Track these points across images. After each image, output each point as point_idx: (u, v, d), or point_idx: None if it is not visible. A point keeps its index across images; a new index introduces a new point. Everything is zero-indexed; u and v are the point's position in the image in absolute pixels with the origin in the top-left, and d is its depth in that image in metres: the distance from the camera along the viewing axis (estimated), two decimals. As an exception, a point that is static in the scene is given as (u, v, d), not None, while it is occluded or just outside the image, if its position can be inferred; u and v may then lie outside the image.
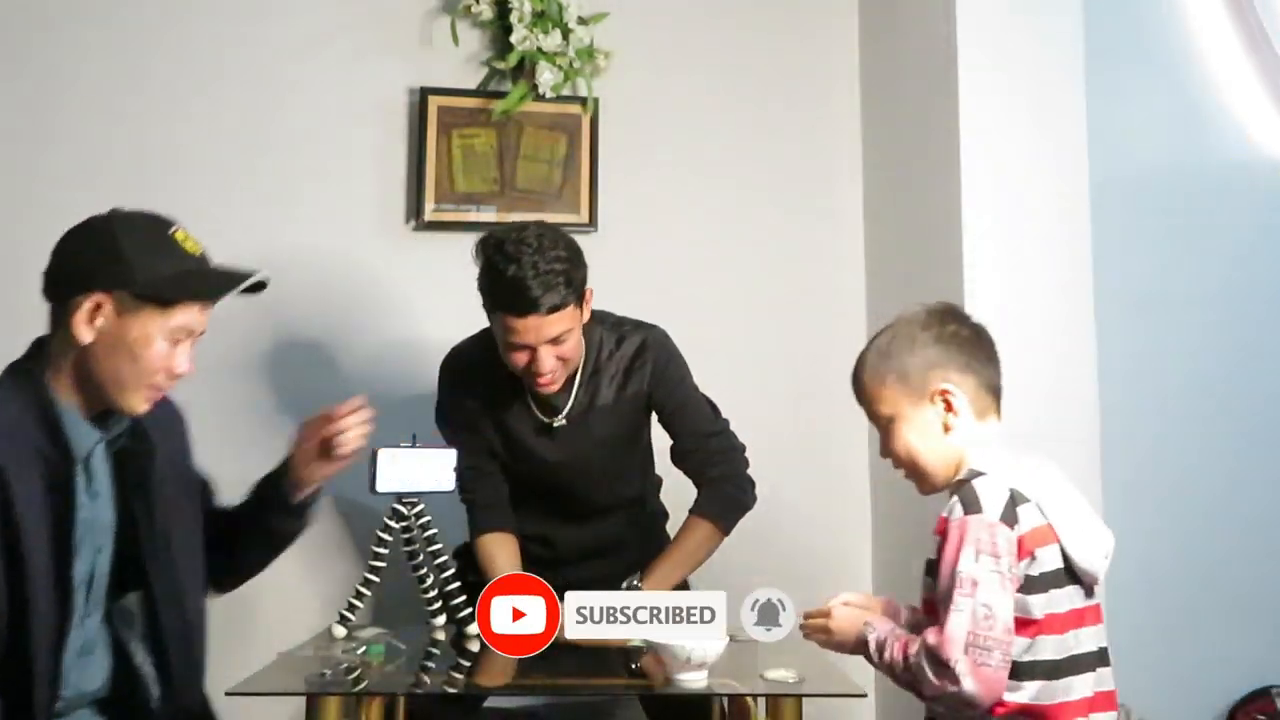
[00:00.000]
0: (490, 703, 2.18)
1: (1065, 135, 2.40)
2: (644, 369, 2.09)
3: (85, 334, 1.46)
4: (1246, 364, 2.95)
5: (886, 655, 1.41)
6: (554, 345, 1.91)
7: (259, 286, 1.60)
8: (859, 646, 1.45)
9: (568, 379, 2.04)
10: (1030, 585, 1.39)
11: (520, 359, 1.93)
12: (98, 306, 1.47)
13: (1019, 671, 1.38)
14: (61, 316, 1.49)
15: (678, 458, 2.16)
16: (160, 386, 1.53)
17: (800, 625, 1.51)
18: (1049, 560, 1.41)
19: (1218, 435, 2.91)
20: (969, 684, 1.32)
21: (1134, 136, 2.91)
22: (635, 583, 1.99)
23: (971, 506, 1.39)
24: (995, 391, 1.53)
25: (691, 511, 2.10)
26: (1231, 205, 3.00)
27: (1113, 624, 2.32)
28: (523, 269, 1.85)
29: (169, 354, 1.51)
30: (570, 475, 2.10)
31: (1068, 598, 1.43)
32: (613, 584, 1.95)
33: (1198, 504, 2.87)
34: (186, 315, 1.52)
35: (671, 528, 2.19)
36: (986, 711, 1.37)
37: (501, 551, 2.04)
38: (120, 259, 1.50)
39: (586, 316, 2.00)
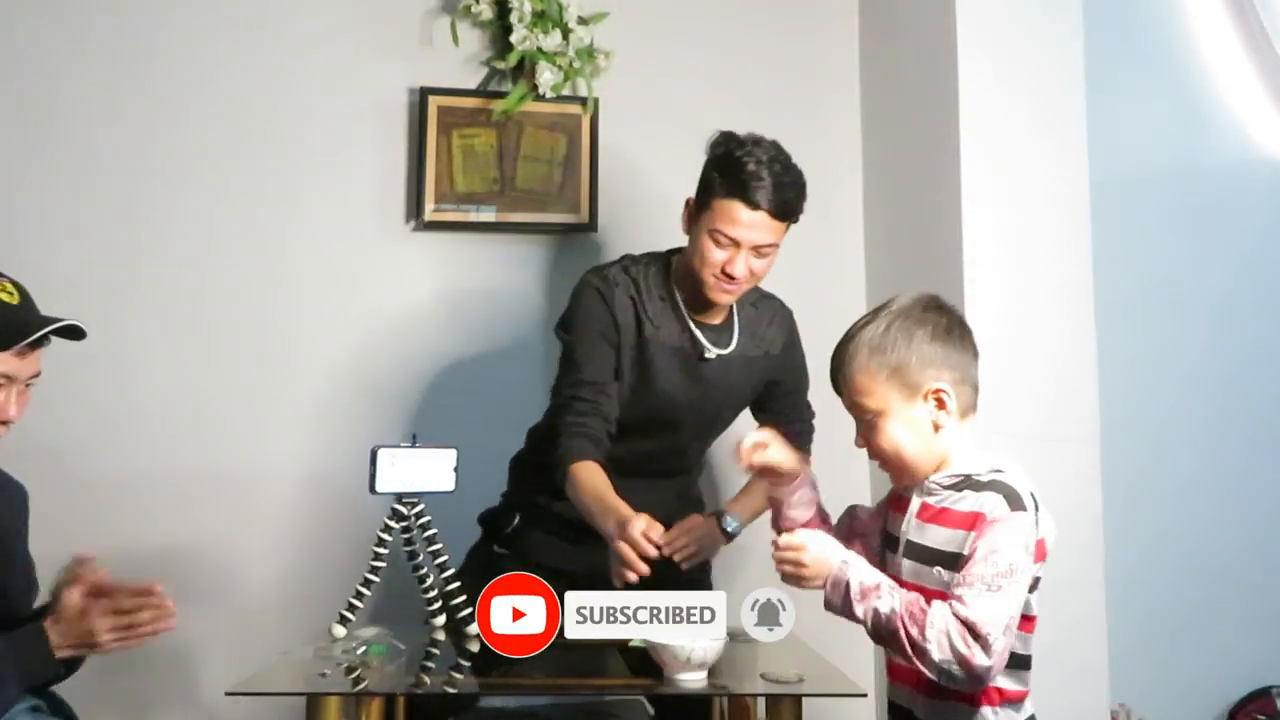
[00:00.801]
0: (490, 702, 2.18)
1: (1065, 135, 2.40)
2: (775, 334, 2.12)
3: None
4: (1247, 363, 2.95)
5: (877, 605, 1.40)
6: (755, 255, 1.92)
7: (77, 333, 1.65)
8: (831, 585, 1.43)
9: (723, 319, 2.05)
10: (1035, 584, 1.46)
11: (719, 256, 1.92)
12: None
13: (1024, 663, 1.47)
14: None
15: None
16: None
17: (774, 555, 1.48)
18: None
19: (1218, 435, 2.91)
20: (994, 662, 1.36)
21: (1134, 136, 2.91)
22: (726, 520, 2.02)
23: (1017, 504, 1.44)
24: (976, 388, 1.55)
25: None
26: (1231, 205, 3.00)
27: (1113, 624, 2.34)
28: (767, 166, 1.90)
29: None
30: (685, 417, 2.05)
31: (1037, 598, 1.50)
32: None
33: (1198, 504, 2.87)
34: (1, 363, 1.57)
35: None
36: (977, 693, 1.43)
37: (602, 479, 1.93)
38: None
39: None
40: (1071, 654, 2.26)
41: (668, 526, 2.01)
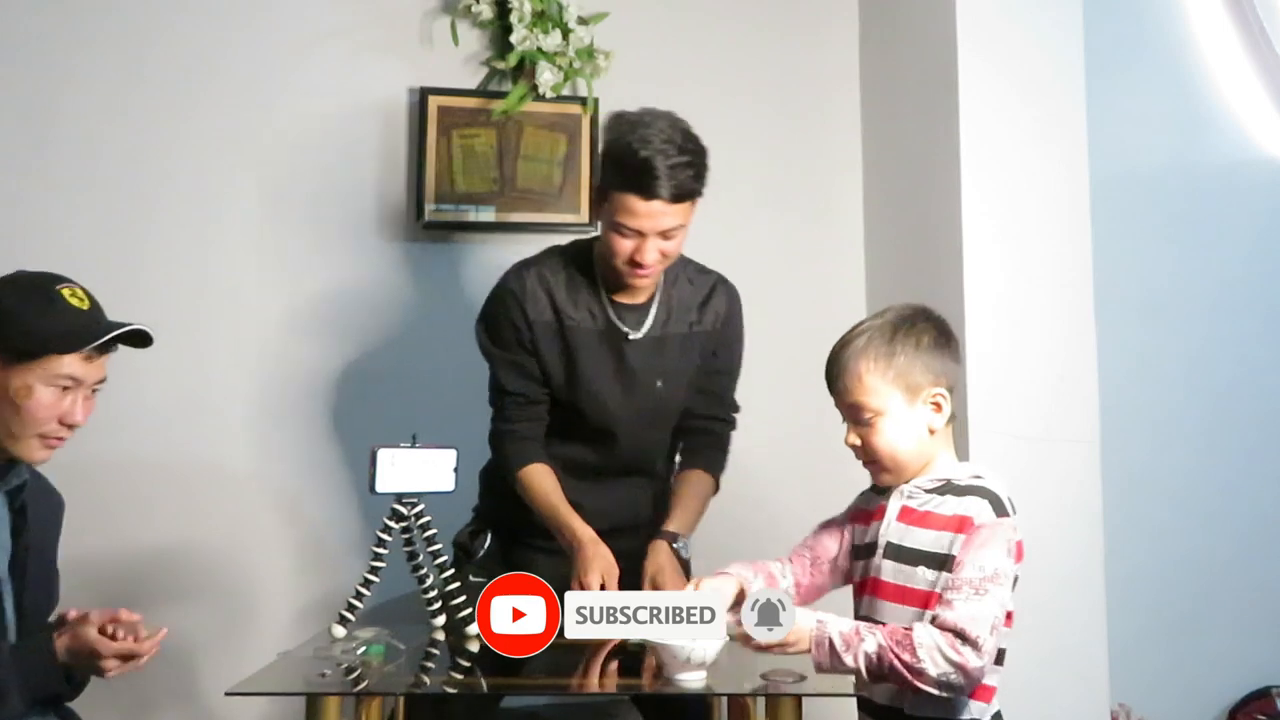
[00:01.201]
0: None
1: (1065, 135, 2.40)
2: (715, 310, 2.07)
3: None
4: (1247, 363, 2.95)
5: (864, 649, 1.44)
6: (663, 239, 1.89)
7: (144, 340, 1.70)
8: (815, 647, 1.46)
9: (647, 298, 2.02)
10: (1013, 582, 1.52)
11: (626, 247, 1.89)
12: None
13: (1001, 657, 1.53)
14: None
15: (689, 417, 2.10)
16: (53, 435, 1.62)
17: (748, 642, 1.49)
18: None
19: (1218, 435, 2.91)
20: (985, 661, 1.43)
21: (1134, 136, 2.91)
22: (680, 546, 1.97)
23: (1001, 511, 1.51)
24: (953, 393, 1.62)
25: (691, 466, 2.08)
26: (1231, 205, 3.00)
27: (1113, 624, 2.34)
28: (656, 153, 1.83)
29: (56, 403, 1.60)
30: (624, 407, 2.02)
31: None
32: (634, 560, 1.93)
33: (1198, 504, 2.87)
34: (67, 365, 1.60)
35: None
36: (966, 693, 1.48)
37: (549, 481, 1.98)
38: (1, 317, 1.59)
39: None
40: (1071, 654, 2.26)
41: (641, 526, 2.05)
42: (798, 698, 1.50)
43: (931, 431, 1.56)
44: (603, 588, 1.82)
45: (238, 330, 2.61)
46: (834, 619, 1.49)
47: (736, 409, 2.16)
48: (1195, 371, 2.92)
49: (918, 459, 1.56)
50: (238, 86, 2.66)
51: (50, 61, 2.59)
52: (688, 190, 1.87)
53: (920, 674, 1.42)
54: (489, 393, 2.09)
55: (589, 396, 2.01)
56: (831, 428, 1.66)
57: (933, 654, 1.42)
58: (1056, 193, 2.39)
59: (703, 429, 2.12)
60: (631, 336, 2.01)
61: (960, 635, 1.42)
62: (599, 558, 1.87)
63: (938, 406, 1.56)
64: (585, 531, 1.92)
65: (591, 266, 2.03)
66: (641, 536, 2.02)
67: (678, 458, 2.14)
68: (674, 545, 1.96)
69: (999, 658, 1.52)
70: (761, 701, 1.61)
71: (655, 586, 1.88)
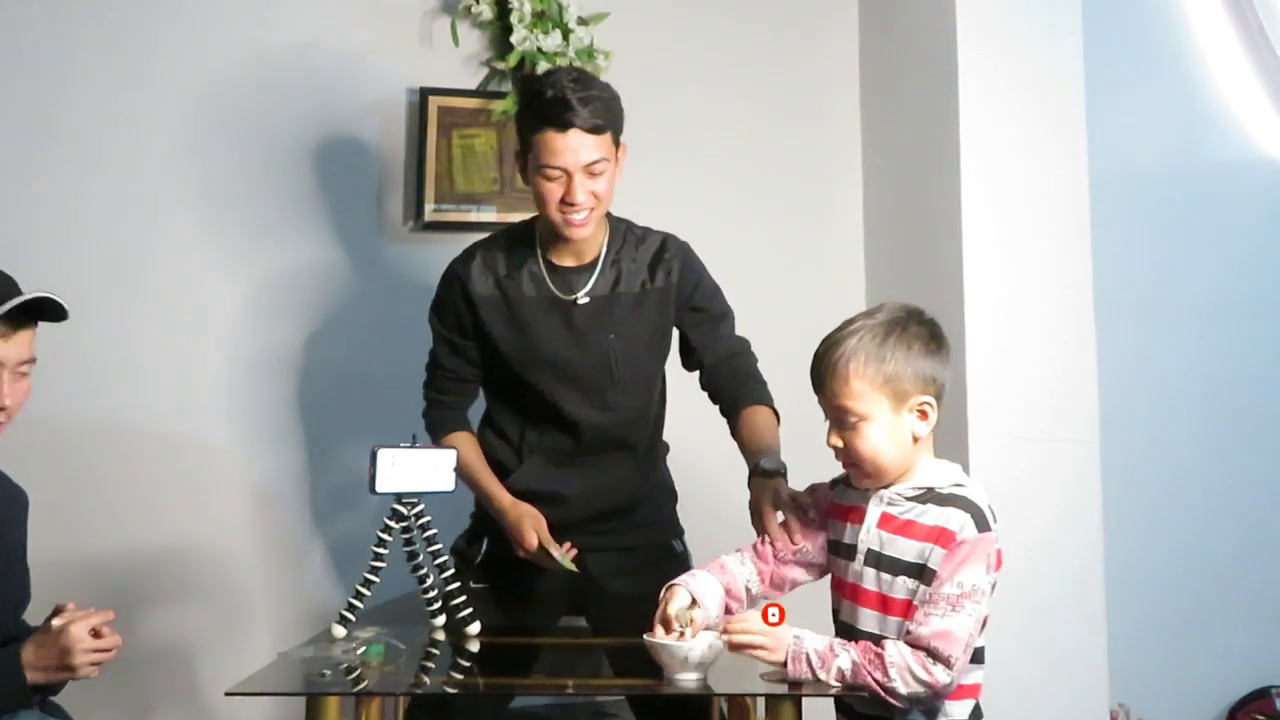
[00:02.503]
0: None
1: (1065, 135, 2.41)
2: (670, 265, 2.05)
3: None
4: (1247, 363, 2.95)
5: (839, 665, 1.47)
6: (588, 177, 1.90)
7: (57, 312, 1.63)
8: (793, 660, 1.48)
9: (592, 258, 2.01)
10: (991, 588, 1.53)
11: (555, 190, 1.90)
12: None
13: (978, 656, 1.54)
14: None
15: (713, 383, 2.07)
16: None
17: (730, 641, 1.51)
18: None
19: (1217, 435, 2.91)
20: (955, 676, 1.46)
21: (1134, 136, 2.91)
22: (766, 463, 1.91)
23: (983, 525, 1.51)
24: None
25: (743, 404, 2.04)
26: (1231, 205, 3.01)
27: (1113, 624, 2.34)
28: (564, 88, 1.88)
29: None
30: (579, 367, 2.00)
31: None
32: (638, 555, 1.94)
33: (1198, 504, 2.87)
34: None
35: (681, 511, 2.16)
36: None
37: (469, 446, 2.02)
38: None
39: (620, 170, 1.98)
40: (1071, 654, 2.26)
41: (628, 507, 2.05)
42: (797, 698, 1.50)
43: (916, 439, 1.55)
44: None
45: (237, 330, 2.61)
46: (810, 635, 1.50)
47: (747, 343, 2.13)
48: (1195, 371, 2.92)
49: (899, 465, 1.56)
50: (238, 86, 2.66)
51: (47, 63, 2.58)
52: (604, 120, 1.90)
53: (892, 693, 1.45)
54: (425, 370, 2.14)
55: (541, 363, 2.00)
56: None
57: (903, 673, 1.45)
58: (1056, 193, 2.39)
59: (728, 368, 2.08)
60: (579, 300, 2.00)
61: (932, 653, 1.44)
62: (525, 516, 1.92)
63: (924, 414, 1.55)
64: (504, 496, 1.97)
65: (534, 238, 2.03)
66: (633, 518, 2.02)
67: (721, 406, 2.08)
68: (763, 466, 1.92)
69: (978, 656, 1.54)
70: (761, 701, 1.61)
71: (759, 517, 1.82)
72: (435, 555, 1.82)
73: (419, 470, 1.78)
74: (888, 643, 1.48)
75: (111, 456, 2.52)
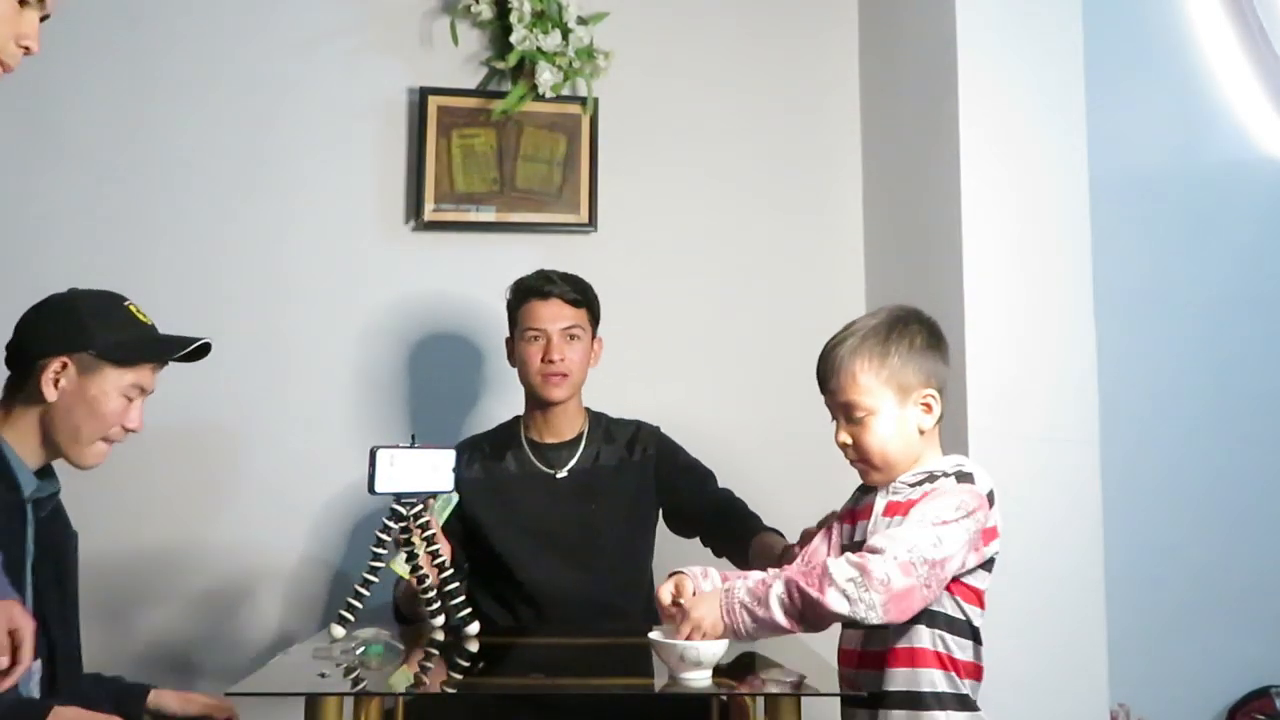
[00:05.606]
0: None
1: (1065, 135, 2.40)
2: (646, 444, 2.22)
3: (50, 392, 1.64)
4: (1247, 363, 2.95)
5: (775, 594, 1.42)
6: (566, 341, 2.13)
7: (204, 351, 1.79)
8: (727, 612, 1.45)
9: (574, 435, 2.19)
10: (988, 565, 1.54)
11: (536, 351, 2.13)
12: (63, 367, 1.64)
13: (979, 635, 1.53)
14: (25, 379, 1.65)
15: (717, 525, 2.16)
16: (113, 440, 1.72)
17: (669, 630, 1.50)
18: (995, 553, 1.55)
19: (1217, 435, 2.91)
20: (894, 570, 1.39)
21: (1134, 136, 2.91)
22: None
23: (965, 480, 1.53)
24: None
25: (762, 529, 2.11)
26: (1231, 205, 3.00)
27: (1113, 624, 2.34)
28: (549, 271, 2.19)
29: (123, 410, 1.70)
30: (560, 537, 2.11)
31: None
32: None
33: (1197, 504, 2.87)
34: (140, 375, 1.71)
35: None
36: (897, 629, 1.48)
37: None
38: (81, 326, 1.67)
39: (597, 358, 2.21)
40: (1071, 654, 2.26)
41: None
42: (797, 698, 1.50)
43: (921, 432, 1.58)
44: None
45: (237, 330, 2.61)
46: (735, 577, 1.51)
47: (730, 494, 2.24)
48: (1195, 371, 2.92)
49: (906, 458, 1.58)
50: (238, 86, 2.66)
51: (51, 62, 2.58)
52: (581, 296, 2.17)
53: (826, 589, 1.39)
54: None
55: (524, 534, 2.12)
56: (831, 428, 1.66)
57: (838, 565, 1.41)
58: (1056, 193, 2.38)
59: (731, 510, 2.18)
60: (559, 475, 2.17)
61: (870, 549, 1.44)
62: None
63: (928, 407, 1.58)
64: None
65: (518, 426, 2.23)
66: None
67: (731, 543, 2.13)
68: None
69: (977, 635, 1.53)
70: (761, 701, 1.61)
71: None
72: (435, 555, 1.82)
73: (418, 470, 1.78)
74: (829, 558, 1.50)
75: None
